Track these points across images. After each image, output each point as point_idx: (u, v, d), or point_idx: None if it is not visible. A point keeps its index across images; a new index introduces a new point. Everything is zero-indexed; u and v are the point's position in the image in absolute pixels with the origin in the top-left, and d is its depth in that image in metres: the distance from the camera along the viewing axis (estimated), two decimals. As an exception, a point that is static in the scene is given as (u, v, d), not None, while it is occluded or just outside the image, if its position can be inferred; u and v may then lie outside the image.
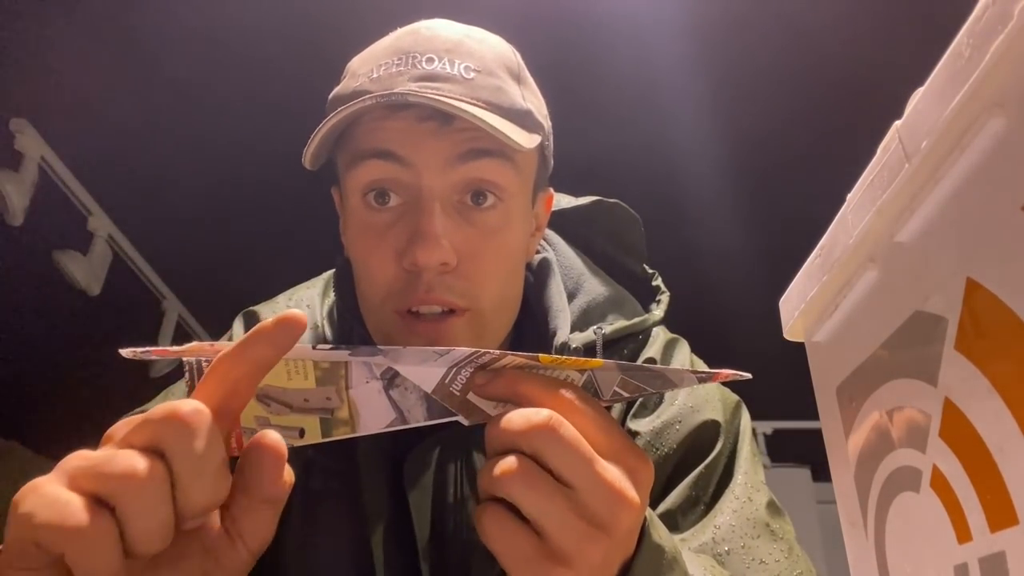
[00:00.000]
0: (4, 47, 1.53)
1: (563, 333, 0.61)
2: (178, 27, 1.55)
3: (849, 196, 0.25)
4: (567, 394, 0.36)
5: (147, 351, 0.36)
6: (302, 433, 0.40)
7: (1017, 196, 0.17)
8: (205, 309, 2.48)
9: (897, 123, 0.21)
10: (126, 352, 0.35)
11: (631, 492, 0.35)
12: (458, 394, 0.40)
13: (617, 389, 0.39)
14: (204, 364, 0.38)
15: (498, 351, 0.38)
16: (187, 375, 0.39)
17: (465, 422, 0.39)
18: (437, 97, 0.50)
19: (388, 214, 0.55)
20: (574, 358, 0.38)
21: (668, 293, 0.69)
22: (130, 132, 1.79)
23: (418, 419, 0.39)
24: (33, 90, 1.65)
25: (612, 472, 0.35)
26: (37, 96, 1.67)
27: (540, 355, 0.37)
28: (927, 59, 0.20)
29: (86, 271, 1.93)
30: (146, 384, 2.21)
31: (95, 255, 1.97)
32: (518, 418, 0.35)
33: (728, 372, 0.37)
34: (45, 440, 2.63)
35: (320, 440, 0.40)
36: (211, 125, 1.78)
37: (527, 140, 0.54)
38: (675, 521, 0.57)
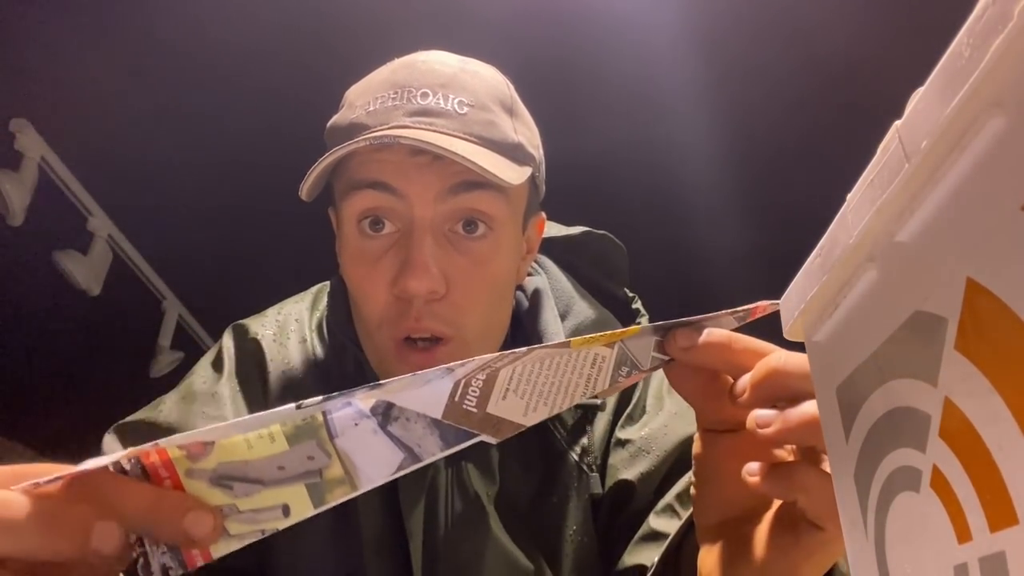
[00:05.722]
0: (4, 47, 1.53)
1: None
2: (179, 26, 1.55)
3: (849, 196, 0.25)
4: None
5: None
6: (287, 511, 0.31)
7: (1017, 196, 0.17)
8: (205, 309, 2.48)
9: (897, 123, 0.21)
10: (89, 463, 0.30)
11: None
12: (475, 410, 0.33)
13: (655, 355, 0.35)
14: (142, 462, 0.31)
15: (524, 348, 0.33)
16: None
17: (493, 440, 0.33)
18: (428, 140, 0.52)
19: (382, 241, 0.56)
20: (607, 332, 0.34)
21: (647, 315, 0.72)
22: (130, 132, 1.78)
23: (433, 451, 0.33)
24: (33, 90, 1.65)
25: None
26: (37, 96, 1.67)
27: (571, 339, 0.34)
28: (927, 59, 0.20)
29: (86, 271, 1.93)
30: (146, 384, 2.21)
31: (95, 255, 1.97)
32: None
33: (764, 304, 0.35)
34: (46, 440, 2.63)
35: (313, 512, 0.32)
36: (212, 125, 1.78)
37: (516, 175, 0.55)
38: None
